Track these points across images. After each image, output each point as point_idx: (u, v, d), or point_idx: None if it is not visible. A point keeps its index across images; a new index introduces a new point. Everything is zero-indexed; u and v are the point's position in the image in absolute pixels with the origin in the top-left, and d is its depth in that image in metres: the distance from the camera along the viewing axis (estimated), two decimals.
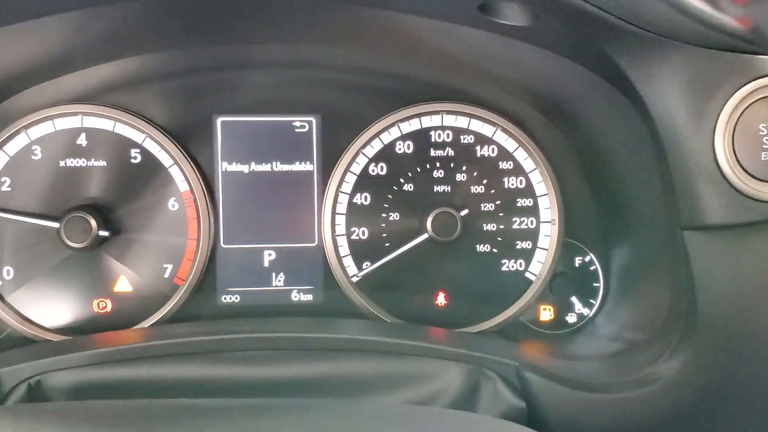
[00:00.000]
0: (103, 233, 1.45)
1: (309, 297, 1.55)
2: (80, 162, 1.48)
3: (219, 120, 1.52)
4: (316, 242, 1.54)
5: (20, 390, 1.20)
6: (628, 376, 1.25)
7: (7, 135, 1.46)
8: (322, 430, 0.94)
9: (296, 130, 1.53)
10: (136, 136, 1.49)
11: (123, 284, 1.51)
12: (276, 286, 1.55)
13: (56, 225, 1.44)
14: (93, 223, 1.43)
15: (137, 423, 0.95)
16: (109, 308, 1.51)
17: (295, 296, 1.55)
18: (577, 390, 1.23)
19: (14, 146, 1.47)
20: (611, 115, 1.34)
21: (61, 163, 1.48)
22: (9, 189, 1.47)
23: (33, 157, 1.48)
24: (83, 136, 1.48)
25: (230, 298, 1.54)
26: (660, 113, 1.11)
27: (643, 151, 1.26)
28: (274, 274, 1.55)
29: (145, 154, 1.49)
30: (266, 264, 1.55)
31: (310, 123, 1.53)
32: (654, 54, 1.07)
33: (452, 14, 1.19)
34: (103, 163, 1.49)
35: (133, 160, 1.49)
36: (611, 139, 1.41)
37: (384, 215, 1.53)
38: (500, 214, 1.53)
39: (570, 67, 1.24)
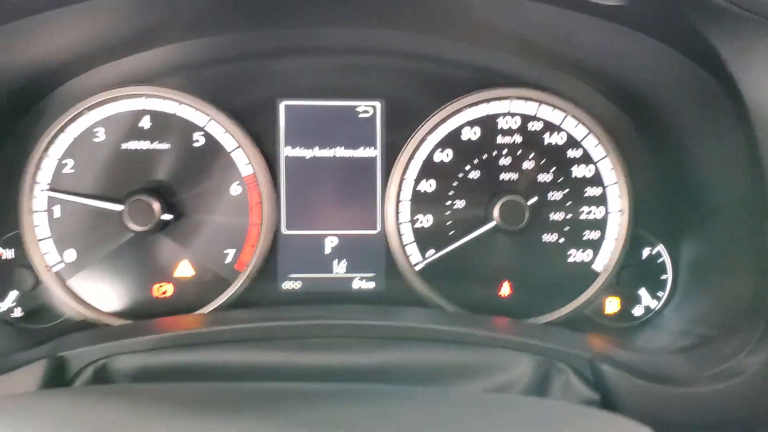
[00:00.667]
0: (166, 217, 1.44)
1: (371, 285, 1.53)
2: (143, 144, 1.47)
3: (282, 104, 1.50)
4: (379, 229, 1.52)
5: (86, 373, 1.20)
6: (707, 369, 1.22)
7: (71, 116, 1.45)
8: (406, 416, 0.92)
9: (360, 116, 1.51)
10: (199, 119, 1.47)
11: (184, 269, 1.49)
12: (337, 273, 1.53)
13: (119, 208, 1.43)
14: (156, 206, 1.42)
15: (213, 405, 0.94)
16: (169, 293, 1.50)
17: (357, 284, 1.53)
18: (655, 383, 1.19)
19: (77, 128, 1.47)
20: (695, 100, 1.30)
21: (124, 146, 1.47)
22: (72, 171, 1.47)
23: (96, 139, 1.47)
24: (146, 118, 1.47)
25: (291, 285, 1.53)
26: (754, 98, 1.07)
27: (728, 138, 1.22)
28: (335, 260, 1.53)
29: (208, 137, 1.48)
30: (328, 251, 1.53)
31: (374, 108, 1.51)
32: (752, 36, 1.03)
33: None
34: (166, 146, 1.47)
35: (195, 144, 1.48)
36: (692, 126, 1.37)
37: (449, 203, 1.50)
38: (568, 204, 1.50)
39: (656, 48, 1.21)
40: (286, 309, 1.49)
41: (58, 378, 1.18)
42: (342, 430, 0.78)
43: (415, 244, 1.51)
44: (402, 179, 1.50)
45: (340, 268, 1.53)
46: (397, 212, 1.50)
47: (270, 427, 0.82)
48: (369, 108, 1.51)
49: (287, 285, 1.53)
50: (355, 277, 1.53)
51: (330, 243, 1.53)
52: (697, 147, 1.38)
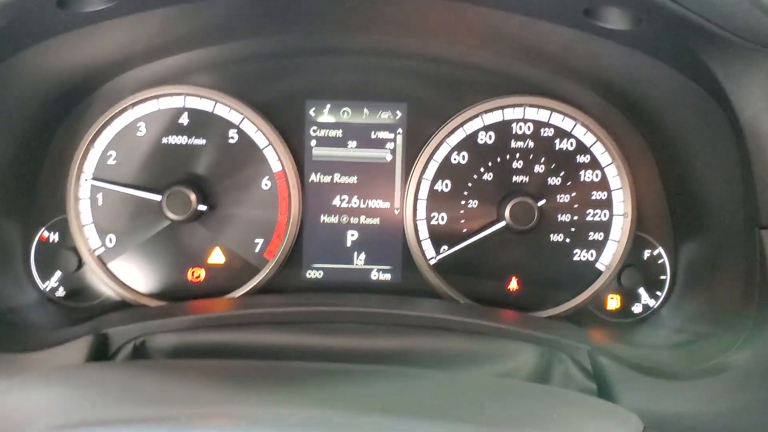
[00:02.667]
0: (201, 207, 1.55)
1: (387, 276, 1.64)
2: (181, 140, 1.58)
3: (310, 104, 1.61)
4: (397, 225, 1.62)
5: (127, 349, 1.30)
6: (698, 364, 1.30)
7: (115, 112, 1.56)
8: (440, 396, 1.01)
9: (383, 117, 1.61)
10: (234, 117, 1.58)
11: (216, 256, 1.61)
12: (357, 264, 1.64)
13: (158, 198, 1.54)
14: (192, 197, 1.53)
15: (242, 380, 1.04)
16: (202, 278, 1.61)
17: (375, 275, 1.64)
18: (648, 376, 1.28)
19: (121, 122, 1.57)
20: (695, 117, 1.39)
21: (164, 140, 1.58)
22: (114, 162, 1.58)
23: (138, 134, 1.58)
24: (185, 115, 1.58)
25: (314, 274, 1.63)
26: (747, 117, 1.16)
27: (724, 153, 1.31)
28: (355, 253, 1.64)
29: (242, 134, 1.58)
30: (349, 243, 1.63)
31: (397, 110, 1.61)
32: (746, 61, 1.13)
33: (556, 16, 1.25)
34: (202, 142, 1.58)
35: (230, 140, 1.58)
36: (692, 139, 1.46)
37: (463, 202, 1.60)
38: (575, 206, 1.59)
39: (660, 68, 1.30)
40: (310, 296, 1.60)
41: (101, 353, 1.29)
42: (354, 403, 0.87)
43: (430, 240, 1.61)
44: (420, 179, 1.59)
45: (359, 260, 1.64)
46: (415, 210, 1.60)
47: (293, 400, 0.91)
48: (392, 111, 1.61)
49: (310, 274, 1.63)
50: (373, 268, 1.64)
51: (351, 236, 1.63)
52: (697, 160, 1.47)
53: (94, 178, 1.57)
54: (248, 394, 0.85)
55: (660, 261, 1.62)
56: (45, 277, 1.61)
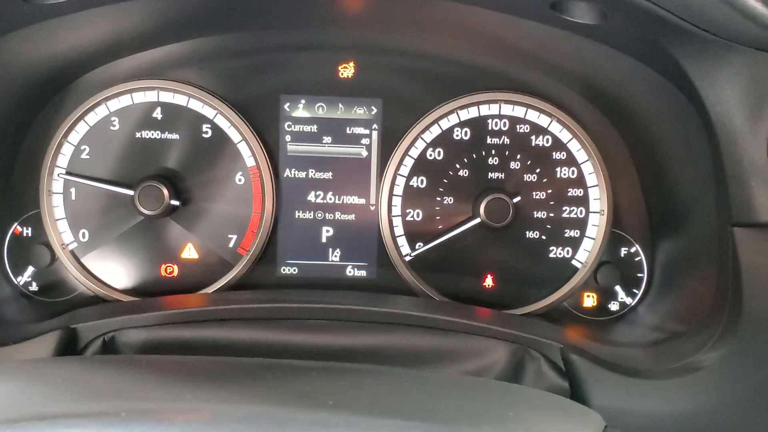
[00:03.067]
0: (174, 202, 1.54)
1: (362, 273, 1.63)
2: (155, 134, 1.57)
3: (285, 100, 1.60)
4: (372, 221, 1.61)
5: (96, 344, 1.29)
6: (670, 363, 1.30)
7: (89, 106, 1.55)
8: (395, 394, 1.00)
9: (359, 113, 1.60)
10: (208, 112, 1.57)
11: (190, 251, 1.60)
12: (332, 261, 1.63)
13: (131, 192, 1.53)
14: (165, 192, 1.52)
15: (211, 377, 1.03)
16: (175, 273, 1.60)
17: (350, 271, 1.63)
18: (621, 374, 1.27)
19: (94, 117, 1.56)
20: (667, 113, 1.38)
21: (137, 135, 1.57)
22: (88, 157, 1.57)
23: (111, 128, 1.57)
24: (159, 109, 1.57)
25: (289, 270, 1.63)
26: (718, 113, 1.16)
27: (697, 148, 1.30)
28: (330, 249, 1.63)
29: (216, 129, 1.57)
30: (324, 239, 1.63)
31: (372, 107, 1.60)
32: (716, 56, 1.12)
33: (523, 10, 1.24)
34: (176, 137, 1.57)
35: (204, 135, 1.57)
36: (665, 135, 1.45)
37: (438, 198, 1.59)
38: (551, 203, 1.58)
39: (631, 64, 1.29)
40: (284, 292, 1.59)
41: (69, 348, 1.28)
42: (317, 401, 0.86)
43: (405, 236, 1.60)
44: (395, 175, 1.59)
45: (335, 256, 1.63)
46: (390, 206, 1.59)
47: (259, 397, 0.90)
48: (367, 106, 1.60)
49: (285, 270, 1.63)
50: (349, 265, 1.63)
51: (326, 232, 1.63)
52: (671, 156, 1.47)
53: (68, 173, 1.56)
54: (197, 391, 0.84)
55: (637, 258, 1.62)
56: (18, 271, 1.60)
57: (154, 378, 0.92)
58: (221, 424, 0.61)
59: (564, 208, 1.59)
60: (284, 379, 0.93)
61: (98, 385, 0.96)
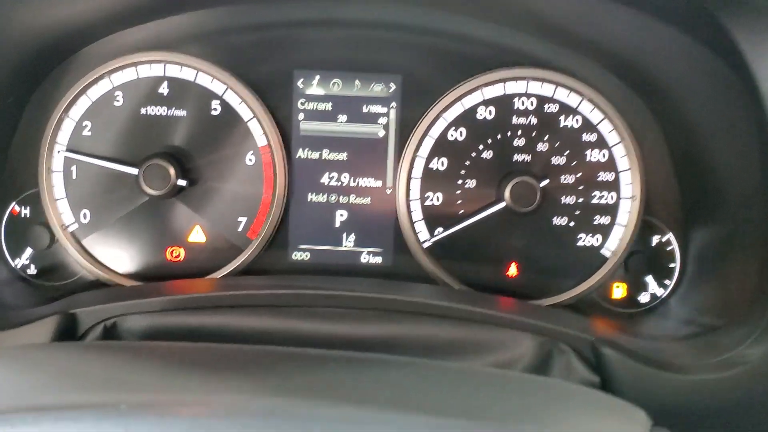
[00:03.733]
0: (181, 182, 1.46)
1: (378, 260, 1.55)
2: (161, 110, 1.48)
3: (299, 76, 1.51)
4: (389, 205, 1.53)
5: (96, 330, 1.23)
6: (709, 358, 1.22)
7: (91, 79, 1.47)
8: (404, 386, 0.93)
9: (376, 90, 1.51)
10: (217, 87, 1.48)
11: (197, 234, 1.52)
12: (346, 246, 1.54)
13: (135, 171, 1.45)
14: (171, 171, 1.44)
15: (215, 364, 0.96)
16: (181, 257, 1.52)
17: (365, 258, 1.55)
18: (657, 369, 1.20)
19: (97, 91, 1.48)
20: (708, 89, 1.29)
21: (143, 111, 1.48)
22: (90, 133, 1.49)
23: (115, 103, 1.48)
24: (165, 84, 1.48)
25: (301, 255, 1.54)
26: None
27: (741, 129, 1.21)
28: (344, 234, 1.54)
29: (225, 106, 1.49)
30: (337, 224, 1.54)
31: (390, 83, 1.51)
32: None
33: None
34: (183, 113, 1.49)
35: (213, 112, 1.49)
36: (704, 115, 1.36)
37: (460, 182, 1.51)
38: (580, 187, 1.49)
39: (672, 36, 1.20)
40: (295, 278, 1.51)
41: (68, 334, 1.21)
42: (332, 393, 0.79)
43: (424, 221, 1.52)
44: (414, 156, 1.50)
45: (348, 242, 1.55)
46: (408, 189, 1.51)
47: (268, 387, 0.83)
48: (385, 83, 1.51)
49: (297, 255, 1.54)
50: (363, 251, 1.55)
51: (340, 216, 1.54)
52: (710, 138, 1.38)
53: (68, 150, 1.48)
54: (206, 381, 0.76)
55: (669, 248, 1.53)
56: (15, 253, 1.52)
57: (159, 366, 0.85)
58: (233, 420, 0.53)
59: (594, 194, 1.49)
60: (303, 370, 0.86)
61: (97, 373, 0.88)
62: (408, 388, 0.90)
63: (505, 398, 0.85)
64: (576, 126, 1.49)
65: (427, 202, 1.51)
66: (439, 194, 1.51)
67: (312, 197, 1.53)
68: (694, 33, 1.17)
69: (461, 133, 1.50)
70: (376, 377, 0.92)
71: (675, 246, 1.53)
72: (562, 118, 1.49)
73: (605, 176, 1.49)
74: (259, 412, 0.54)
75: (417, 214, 1.52)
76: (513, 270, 1.52)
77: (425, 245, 1.52)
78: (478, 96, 1.49)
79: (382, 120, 1.52)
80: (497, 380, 1.00)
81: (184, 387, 0.76)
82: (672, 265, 1.53)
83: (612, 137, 1.49)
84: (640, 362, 1.20)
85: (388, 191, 1.53)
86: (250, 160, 1.50)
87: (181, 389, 0.75)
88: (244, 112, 1.49)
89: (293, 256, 1.54)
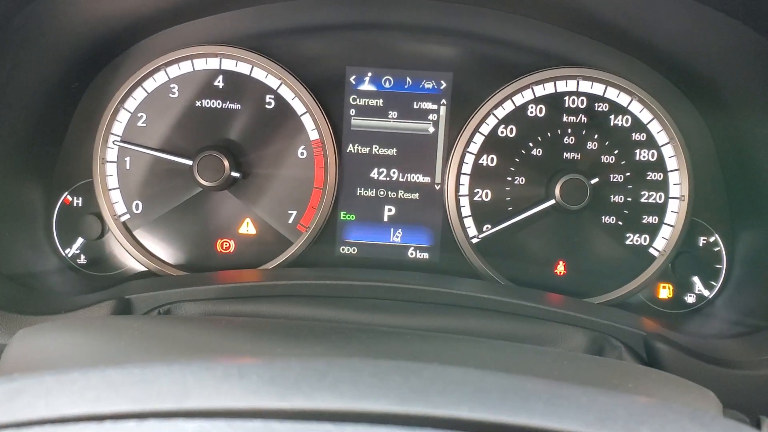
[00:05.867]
0: (235, 174, 1.47)
1: (425, 255, 1.55)
2: (216, 103, 1.50)
3: (351, 71, 1.53)
4: (438, 201, 1.54)
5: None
6: (763, 354, 1.22)
7: (147, 72, 1.49)
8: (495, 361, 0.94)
9: (427, 87, 1.53)
10: (271, 81, 1.50)
11: (248, 227, 1.53)
12: (393, 241, 1.55)
13: (189, 162, 1.46)
14: (226, 163, 1.45)
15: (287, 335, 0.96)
16: (232, 249, 1.53)
17: (412, 253, 1.55)
18: (711, 364, 1.20)
19: (153, 83, 1.50)
20: (761, 93, 1.29)
21: (198, 103, 1.50)
22: (144, 125, 1.51)
23: (170, 95, 1.50)
24: (221, 78, 1.50)
25: (348, 249, 1.55)
26: None
27: None
28: (392, 229, 1.55)
29: (279, 100, 1.51)
30: (385, 219, 1.55)
31: (442, 80, 1.53)
32: None
33: None
34: (237, 106, 1.50)
35: (267, 106, 1.51)
36: (756, 118, 1.36)
37: (509, 178, 1.51)
38: (629, 186, 1.50)
39: (733, 28, 1.19)
40: (347, 270, 1.51)
41: None
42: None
43: (472, 217, 1.52)
44: (464, 152, 1.51)
45: (396, 237, 1.55)
46: (457, 185, 1.52)
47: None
48: (436, 80, 1.53)
49: (344, 249, 1.55)
50: (411, 246, 1.55)
51: (388, 211, 1.55)
52: (759, 140, 1.38)
53: (123, 141, 1.50)
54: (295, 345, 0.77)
55: (716, 249, 1.53)
56: (66, 243, 1.54)
57: (253, 332, 0.86)
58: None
59: (642, 193, 1.50)
60: (388, 341, 0.87)
61: (182, 337, 0.90)
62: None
63: (581, 373, 0.85)
64: (625, 125, 1.50)
65: (476, 198, 1.52)
66: (488, 191, 1.52)
67: (361, 191, 1.55)
68: (756, 25, 1.17)
69: (511, 130, 1.51)
70: (446, 347, 0.93)
71: (722, 247, 1.53)
72: (611, 117, 1.50)
73: (654, 176, 1.50)
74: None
75: (466, 210, 1.52)
76: (561, 268, 1.52)
77: (473, 241, 1.52)
78: (528, 94, 1.50)
79: (432, 116, 1.53)
80: (576, 360, 1.01)
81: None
82: (718, 266, 1.53)
83: (661, 137, 1.50)
84: (694, 357, 1.19)
85: (437, 187, 1.54)
86: (302, 153, 1.52)
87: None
88: (298, 106, 1.51)
89: (341, 250, 1.55)
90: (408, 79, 1.53)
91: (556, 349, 1.14)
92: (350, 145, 1.54)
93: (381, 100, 1.53)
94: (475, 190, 1.52)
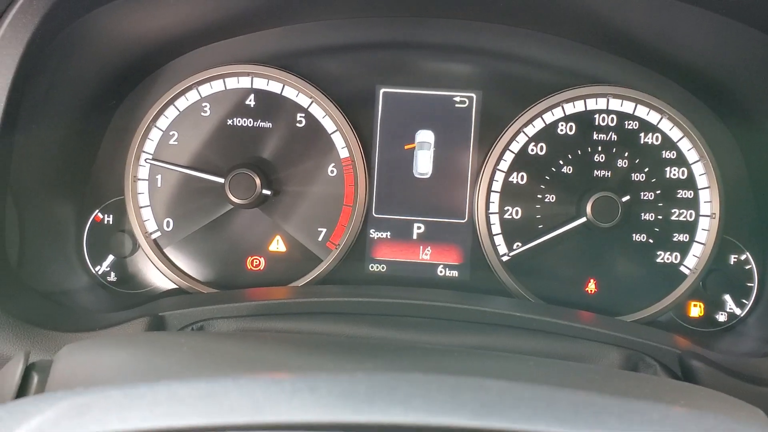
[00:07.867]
0: (266, 192, 1.48)
1: (454, 273, 1.55)
2: (247, 122, 1.52)
3: (381, 90, 1.54)
4: (467, 218, 1.54)
5: None
6: None
7: (179, 90, 1.50)
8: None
9: (456, 105, 1.54)
10: (302, 100, 1.51)
11: (278, 244, 1.53)
12: (423, 259, 1.55)
13: (221, 180, 1.47)
14: (258, 180, 1.46)
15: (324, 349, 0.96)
16: (262, 266, 1.53)
17: (441, 271, 1.55)
18: (747, 383, 1.19)
19: (185, 102, 1.52)
20: None
21: (229, 122, 1.52)
22: (176, 143, 1.52)
23: (202, 114, 1.52)
24: (252, 96, 1.51)
25: (377, 267, 1.55)
26: None
27: None
28: (421, 247, 1.55)
29: (310, 118, 1.52)
30: (414, 236, 1.55)
31: (471, 98, 1.53)
32: None
33: None
34: (268, 125, 1.52)
35: (298, 124, 1.52)
36: None
37: (539, 196, 1.52)
38: (659, 204, 1.50)
39: (763, 45, 1.20)
40: (378, 288, 1.51)
41: None
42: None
43: (502, 235, 1.52)
44: (495, 170, 1.51)
45: (425, 254, 1.55)
46: (488, 202, 1.52)
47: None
48: (466, 98, 1.53)
49: (374, 267, 1.55)
50: (440, 264, 1.55)
51: (417, 229, 1.55)
52: None
53: (154, 159, 1.51)
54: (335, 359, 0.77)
55: (747, 267, 1.52)
56: (97, 261, 1.54)
57: (300, 350, 0.86)
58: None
59: (673, 210, 1.50)
60: (426, 356, 0.87)
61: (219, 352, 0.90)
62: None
63: (645, 391, 0.85)
64: (656, 143, 1.50)
65: (506, 216, 1.52)
66: (518, 208, 1.52)
67: (390, 209, 1.55)
68: None
69: (541, 148, 1.51)
70: (479, 363, 0.93)
71: (753, 265, 1.52)
72: (642, 135, 1.50)
73: (684, 194, 1.50)
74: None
75: (496, 227, 1.52)
76: (591, 286, 1.52)
77: (504, 259, 1.52)
78: (559, 112, 1.51)
79: (463, 134, 1.53)
80: (628, 378, 1.01)
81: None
82: (750, 284, 1.52)
83: (691, 155, 1.50)
84: (731, 375, 1.19)
85: (467, 204, 1.54)
86: (332, 171, 1.52)
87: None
88: (328, 124, 1.52)
89: (370, 268, 1.55)
90: (438, 97, 1.53)
91: (602, 367, 1.13)
92: (380, 163, 1.54)
93: (411, 118, 1.54)
94: (506, 208, 1.52)
